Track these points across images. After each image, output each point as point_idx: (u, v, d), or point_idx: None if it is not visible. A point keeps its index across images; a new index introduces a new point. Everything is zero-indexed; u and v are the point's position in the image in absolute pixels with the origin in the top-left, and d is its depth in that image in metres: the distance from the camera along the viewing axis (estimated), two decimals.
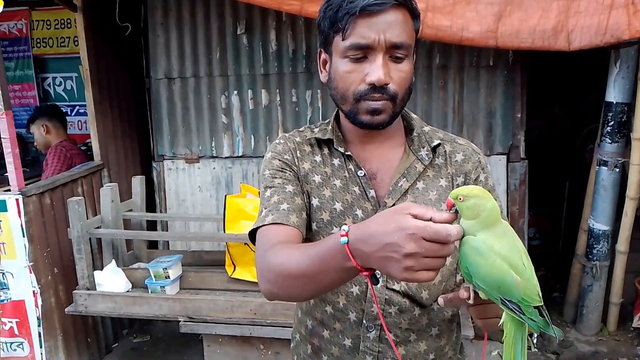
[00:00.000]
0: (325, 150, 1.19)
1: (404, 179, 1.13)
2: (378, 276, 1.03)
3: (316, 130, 1.22)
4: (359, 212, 1.13)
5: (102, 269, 2.83)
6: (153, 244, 3.64)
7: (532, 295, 0.82)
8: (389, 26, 1.02)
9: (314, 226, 1.15)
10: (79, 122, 4.81)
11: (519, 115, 3.25)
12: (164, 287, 2.73)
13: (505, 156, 3.29)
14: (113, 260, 2.88)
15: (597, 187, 3.26)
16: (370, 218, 0.85)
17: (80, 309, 2.77)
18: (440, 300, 0.93)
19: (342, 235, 0.84)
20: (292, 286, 0.96)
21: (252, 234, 1.11)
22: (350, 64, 1.06)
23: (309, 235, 1.15)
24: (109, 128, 3.65)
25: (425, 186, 1.14)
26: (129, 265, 3.02)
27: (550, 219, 4.46)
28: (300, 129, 1.25)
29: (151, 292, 2.74)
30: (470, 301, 0.89)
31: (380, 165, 1.16)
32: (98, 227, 2.89)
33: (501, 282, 0.81)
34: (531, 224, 4.31)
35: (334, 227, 1.13)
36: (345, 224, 0.89)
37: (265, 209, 1.11)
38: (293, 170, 1.17)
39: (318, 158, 1.18)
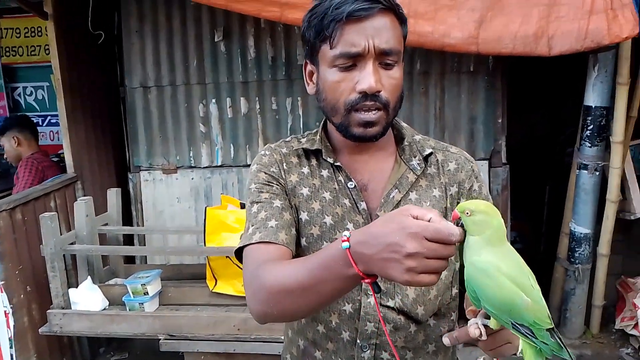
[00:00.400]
0: (314, 162, 1.14)
1: (396, 189, 1.09)
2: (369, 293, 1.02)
3: (303, 140, 1.17)
4: (350, 226, 1.08)
5: (77, 286, 2.72)
6: (130, 259, 3.53)
7: (542, 317, 0.78)
8: (377, 32, 0.98)
9: (303, 241, 1.09)
10: (51, 133, 4.68)
11: (500, 121, 3.25)
12: (142, 303, 2.63)
13: (487, 161, 3.29)
14: (89, 276, 2.77)
15: (577, 190, 3.28)
16: (371, 222, 0.83)
17: (55, 329, 2.65)
18: (446, 340, 0.88)
19: (343, 241, 0.82)
20: (289, 302, 0.91)
21: (239, 251, 1.06)
22: (340, 73, 1.02)
23: (299, 251, 1.10)
24: (83, 139, 3.54)
25: (418, 197, 1.10)
26: (105, 281, 2.91)
27: (531, 223, 4.49)
28: (287, 139, 1.20)
29: (129, 309, 2.64)
30: (484, 337, 0.84)
31: (371, 176, 1.11)
32: (72, 243, 2.78)
33: (512, 305, 0.77)
34: (512, 228, 4.32)
35: (324, 242, 1.08)
36: (347, 231, 0.86)
37: (252, 225, 1.06)
38: (280, 183, 1.11)
39: (306, 170, 1.13)
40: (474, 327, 0.84)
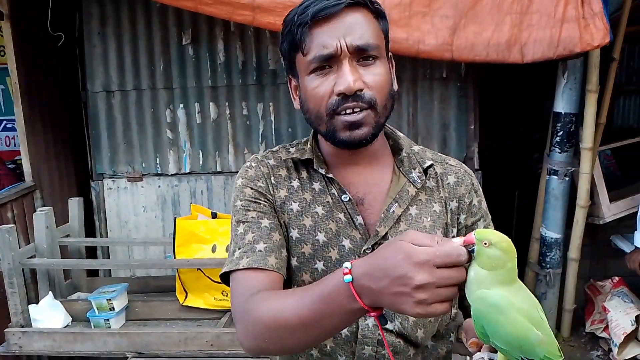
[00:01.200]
0: (304, 174, 1.07)
1: (396, 204, 1.02)
2: (386, 316, 0.95)
3: (292, 150, 1.10)
4: (345, 242, 1.01)
5: (37, 302, 2.58)
6: (93, 272, 3.37)
7: (554, 351, 0.75)
8: (348, 29, 0.93)
9: (294, 261, 1.02)
10: (7, 138, 4.45)
11: (472, 127, 3.25)
12: (108, 319, 2.51)
13: None
14: (50, 292, 2.63)
15: (547, 196, 3.31)
16: (374, 252, 0.77)
17: (14, 349, 2.50)
18: None
19: (345, 274, 0.76)
20: (289, 338, 0.84)
21: (224, 275, 0.99)
22: (317, 79, 0.96)
23: (289, 273, 1.02)
24: (42, 145, 3.37)
25: (418, 212, 1.04)
26: (67, 296, 2.78)
27: (501, 228, 4.52)
28: (274, 149, 1.12)
29: (94, 326, 2.52)
30: None
31: (368, 190, 1.05)
32: (32, 257, 2.63)
33: (524, 340, 0.73)
34: None
35: (317, 262, 1.01)
36: (348, 262, 0.78)
37: (239, 249, 0.98)
38: (268, 199, 1.04)
39: (296, 183, 1.06)
40: None
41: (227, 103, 3.28)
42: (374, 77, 0.96)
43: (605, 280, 3.55)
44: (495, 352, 0.80)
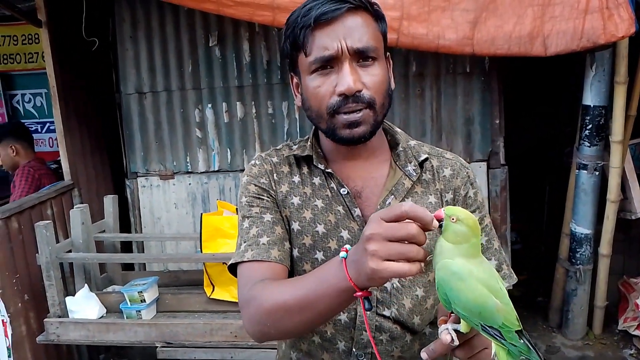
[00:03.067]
0: (305, 169, 1.12)
1: (392, 196, 1.07)
2: (372, 301, 1.03)
3: (295, 147, 1.15)
4: (344, 233, 1.06)
5: (74, 294, 2.72)
6: (129, 266, 3.52)
7: (512, 319, 0.79)
8: (348, 32, 0.97)
9: (295, 252, 1.08)
10: (50, 139, 4.68)
11: (497, 122, 3.22)
12: (139, 311, 2.62)
13: (485, 163, 3.26)
14: (85, 284, 2.76)
15: (577, 190, 3.25)
16: None
17: (52, 337, 2.64)
18: (424, 354, 0.87)
19: (343, 251, 0.84)
20: (288, 320, 0.90)
21: (232, 267, 1.06)
22: (318, 79, 1.01)
23: (292, 263, 1.08)
24: (79, 146, 3.53)
25: (414, 203, 1.08)
26: (102, 289, 2.91)
27: (532, 223, 4.46)
28: (278, 147, 1.18)
29: (126, 317, 2.63)
30: (455, 342, 0.83)
31: (365, 183, 1.09)
32: (69, 251, 2.77)
33: (482, 307, 0.77)
34: (513, 229, 4.29)
35: (317, 252, 1.06)
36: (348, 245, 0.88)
37: (245, 242, 1.05)
38: (271, 195, 1.10)
39: (297, 178, 1.11)
40: (445, 333, 0.83)
41: (253, 102, 3.36)
42: (373, 78, 1.00)
43: (639, 277, 3.46)
44: (459, 323, 0.84)
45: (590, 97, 3.07)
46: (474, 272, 0.78)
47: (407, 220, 0.77)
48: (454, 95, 3.22)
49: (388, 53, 1.08)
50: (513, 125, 3.57)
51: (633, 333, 3.29)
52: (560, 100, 4.16)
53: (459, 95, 3.21)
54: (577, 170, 3.23)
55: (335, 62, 0.99)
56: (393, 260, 0.75)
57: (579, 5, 2.53)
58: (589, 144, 3.15)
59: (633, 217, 3.29)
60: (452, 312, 0.84)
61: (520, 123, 4.24)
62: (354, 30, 0.98)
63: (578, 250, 3.31)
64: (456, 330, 0.83)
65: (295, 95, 1.11)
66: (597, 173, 3.17)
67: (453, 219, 0.78)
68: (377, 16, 1.03)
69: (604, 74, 3.00)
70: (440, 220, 0.79)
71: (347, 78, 0.97)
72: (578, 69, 3.13)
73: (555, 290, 3.59)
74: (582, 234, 3.27)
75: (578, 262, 3.32)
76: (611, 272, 3.35)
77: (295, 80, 1.10)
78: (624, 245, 3.58)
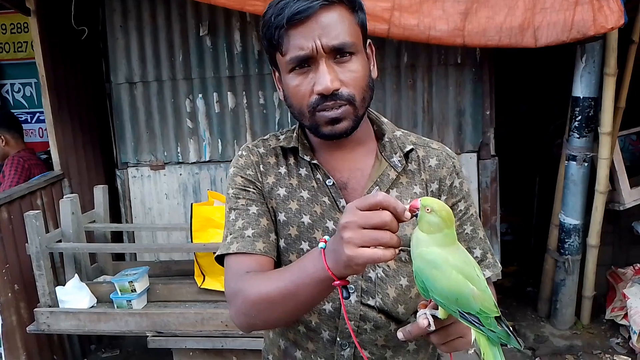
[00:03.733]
0: (291, 160, 1.12)
1: (377, 187, 1.07)
2: (350, 291, 1.05)
3: (282, 137, 1.15)
4: (329, 224, 1.07)
5: (65, 284, 2.71)
6: (120, 256, 3.52)
7: (489, 306, 0.80)
8: (323, 30, 0.96)
9: (282, 243, 1.09)
10: (40, 130, 4.64)
11: (488, 113, 3.23)
12: (130, 301, 2.62)
13: (475, 154, 3.28)
14: (76, 274, 2.75)
15: (566, 181, 3.27)
16: None
17: (43, 327, 2.64)
18: (400, 334, 0.88)
19: (321, 242, 0.86)
20: (272, 311, 0.93)
21: (220, 257, 1.08)
22: (297, 77, 1.00)
23: (279, 254, 1.09)
24: (69, 136, 3.51)
25: (399, 194, 1.09)
26: (93, 279, 2.90)
27: (522, 214, 4.49)
28: (265, 137, 1.18)
29: (117, 307, 2.63)
30: (432, 327, 0.85)
31: (351, 174, 1.10)
32: (59, 241, 2.76)
33: (459, 294, 0.79)
34: (503, 220, 4.31)
35: (303, 242, 1.07)
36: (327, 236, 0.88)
37: (231, 234, 1.06)
38: (257, 187, 1.10)
39: (283, 169, 1.12)
40: (423, 318, 0.85)
41: (244, 92, 3.36)
42: (351, 74, 0.99)
43: (627, 268, 3.51)
44: (438, 309, 0.85)
45: (580, 89, 3.08)
46: (449, 260, 0.79)
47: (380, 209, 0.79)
48: (445, 87, 3.23)
49: (369, 41, 1.07)
50: (504, 115, 3.58)
51: (620, 322, 3.33)
52: (553, 91, 4.18)
53: (451, 87, 3.22)
54: (567, 162, 3.25)
55: (311, 61, 0.98)
56: (367, 247, 0.78)
57: None
58: (578, 136, 3.17)
59: (621, 208, 3.33)
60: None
61: (511, 115, 4.26)
62: (328, 28, 0.96)
63: (567, 240, 3.34)
64: (434, 316, 0.85)
65: (279, 89, 1.11)
66: (586, 164, 3.20)
67: (428, 210, 0.80)
68: (353, 7, 1.01)
69: (594, 66, 3.01)
70: (416, 210, 0.81)
71: (323, 78, 0.97)
72: (569, 60, 3.14)
73: (545, 280, 3.62)
74: (571, 224, 3.30)
75: (567, 252, 3.35)
76: (600, 263, 3.39)
77: (277, 74, 1.10)
78: (612, 236, 3.62)
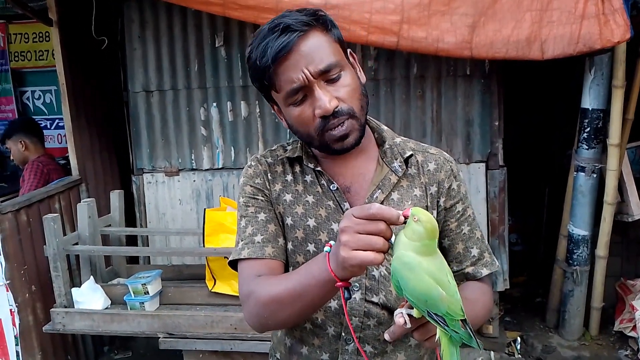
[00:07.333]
0: (297, 168, 1.20)
1: (379, 190, 1.14)
2: (355, 289, 1.13)
3: (289, 148, 1.22)
4: (334, 226, 1.13)
5: (80, 286, 2.80)
6: (134, 259, 3.60)
7: (455, 309, 0.87)
8: (307, 58, 1.02)
9: (289, 245, 1.16)
10: (59, 136, 4.77)
11: (497, 123, 3.27)
12: (143, 303, 2.69)
13: (484, 164, 3.31)
14: (91, 276, 2.84)
15: (575, 192, 3.29)
16: None
17: (58, 327, 2.73)
18: (386, 336, 0.95)
19: (327, 246, 0.94)
20: (281, 311, 1.00)
21: (233, 262, 1.16)
22: (297, 108, 1.07)
23: (287, 256, 1.17)
24: (87, 142, 3.62)
25: (400, 197, 1.15)
26: (107, 281, 2.98)
27: (531, 224, 4.50)
28: (273, 148, 1.26)
29: (130, 309, 2.71)
30: (408, 325, 0.91)
31: (354, 179, 1.17)
32: (75, 244, 2.85)
33: (428, 295, 0.86)
34: (513, 230, 4.34)
35: (309, 244, 1.14)
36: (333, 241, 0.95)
37: (242, 241, 1.14)
38: (265, 195, 1.18)
39: (289, 177, 1.19)
40: (399, 316, 0.91)
41: (257, 102, 3.43)
42: (345, 89, 1.06)
43: (637, 279, 3.50)
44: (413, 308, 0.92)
45: (589, 101, 3.12)
46: (423, 265, 0.87)
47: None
48: (454, 97, 3.27)
49: (349, 50, 1.13)
50: (513, 126, 3.61)
51: (629, 334, 3.33)
52: (560, 103, 4.20)
53: (459, 97, 3.26)
54: (575, 173, 3.28)
55: (306, 89, 1.04)
56: (362, 250, 0.85)
57: (576, 11, 2.58)
58: (587, 147, 3.19)
59: (630, 220, 3.33)
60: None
61: (521, 126, 4.29)
62: (311, 55, 1.02)
63: (575, 251, 3.35)
64: (410, 315, 0.91)
65: (281, 119, 1.17)
66: (594, 175, 3.22)
67: (415, 219, 0.86)
68: (326, 27, 1.07)
69: (603, 78, 3.04)
70: (406, 217, 0.88)
71: (321, 101, 1.03)
72: (578, 72, 3.17)
73: (553, 291, 3.63)
74: (579, 235, 3.32)
75: (575, 263, 3.36)
76: (608, 274, 3.39)
77: (275, 107, 1.16)
78: (621, 247, 3.62)
